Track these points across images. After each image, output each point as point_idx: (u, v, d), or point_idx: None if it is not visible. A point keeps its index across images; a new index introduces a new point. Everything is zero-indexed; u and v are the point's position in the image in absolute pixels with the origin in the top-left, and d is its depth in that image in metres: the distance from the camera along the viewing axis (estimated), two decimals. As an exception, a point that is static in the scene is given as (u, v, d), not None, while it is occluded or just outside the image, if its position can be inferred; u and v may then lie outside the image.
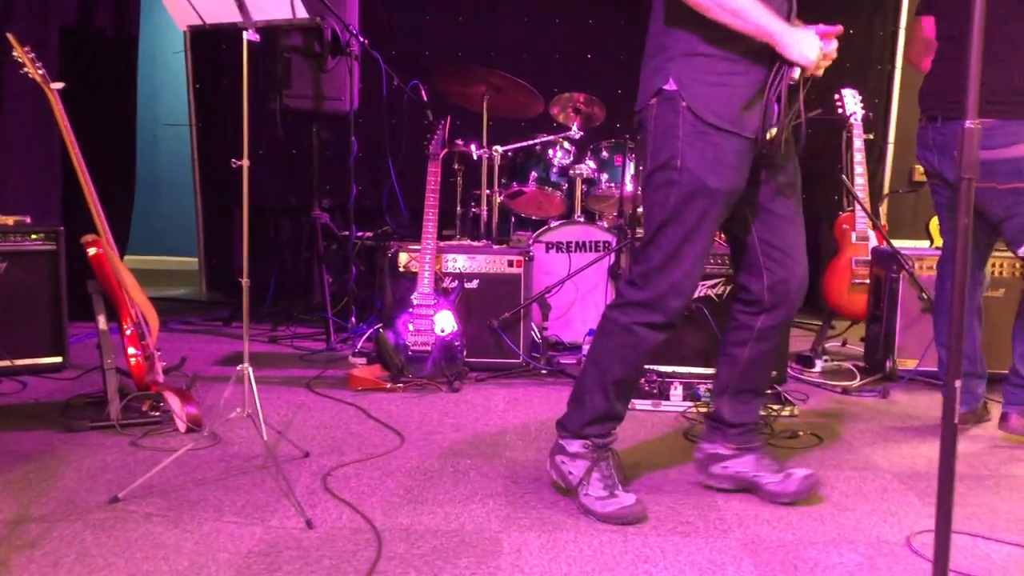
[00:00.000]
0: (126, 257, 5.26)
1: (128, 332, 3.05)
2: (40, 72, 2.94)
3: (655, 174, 2.34)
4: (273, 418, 3.15)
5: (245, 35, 2.47)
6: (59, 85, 2.96)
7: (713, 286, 3.77)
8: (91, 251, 2.99)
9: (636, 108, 2.41)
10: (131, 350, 3.05)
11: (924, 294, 3.80)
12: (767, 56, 2.25)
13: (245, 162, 2.51)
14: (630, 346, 2.38)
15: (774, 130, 2.27)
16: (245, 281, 2.59)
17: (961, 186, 1.35)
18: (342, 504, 2.39)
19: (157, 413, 3.05)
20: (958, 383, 1.31)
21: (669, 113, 2.28)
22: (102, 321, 3.06)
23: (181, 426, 2.96)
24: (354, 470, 2.66)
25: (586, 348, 3.81)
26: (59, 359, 3.69)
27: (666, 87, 2.27)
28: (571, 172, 4.48)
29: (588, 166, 4.48)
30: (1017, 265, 3.79)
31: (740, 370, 2.52)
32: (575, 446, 2.45)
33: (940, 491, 1.42)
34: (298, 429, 3.05)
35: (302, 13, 2.44)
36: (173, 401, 3.00)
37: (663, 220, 2.33)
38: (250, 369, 2.56)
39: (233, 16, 2.45)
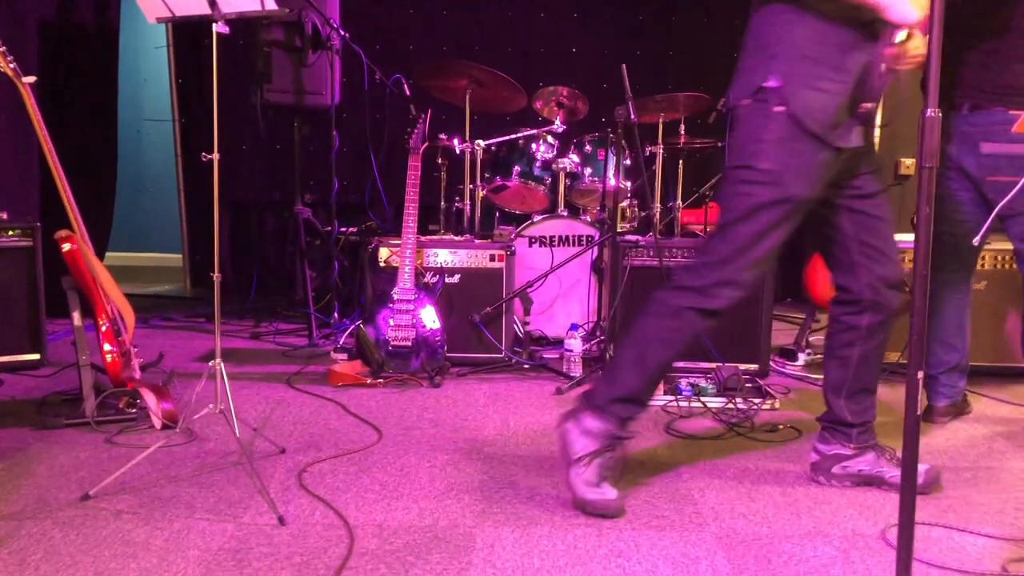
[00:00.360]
0: (110, 253, 5.25)
1: (103, 328, 3.03)
2: (11, 66, 2.90)
3: (737, 171, 2.33)
4: (251, 414, 3.13)
5: (215, 28, 2.43)
6: (31, 79, 2.92)
7: (695, 280, 3.75)
8: (65, 247, 2.96)
9: (729, 102, 2.40)
10: (106, 346, 3.02)
11: (906, 287, 3.79)
12: (864, 59, 2.24)
13: (216, 156, 2.48)
14: (676, 329, 2.36)
15: (870, 105, 2.26)
16: (216, 276, 2.57)
17: (922, 175, 1.34)
18: (316, 500, 2.38)
19: (133, 410, 3.03)
20: (920, 374, 1.30)
21: (761, 114, 2.27)
22: (77, 317, 3.03)
23: (157, 423, 2.94)
24: (330, 466, 2.64)
25: (568, 343, 3.81)
26: (36, 356, 3.64)
27: (767, 84, 2.26)
28: (554, 166, 4.46)
29: (571, 160, 4.46)
30: (1000, 258, 3.79)
31: (854, 370, 2.52)
32: (593, 423, 2.38)
33: (904, 480, 1.41)
34: (276, 425, 3.03)
35: (271, 5, 2.41)
36: (149, 398, 2.98)
37: (736, 218, 2.31)
38: (222, 365, 2.54)
39: (202, 8, 2.42)
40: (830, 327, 2.58)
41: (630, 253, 3.79)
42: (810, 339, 4.34)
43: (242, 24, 4.09)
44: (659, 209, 4.48)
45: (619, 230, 4.00)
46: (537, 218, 4.36)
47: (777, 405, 3.34)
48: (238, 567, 1.99)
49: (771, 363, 3.91)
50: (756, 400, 3.32)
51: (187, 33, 5.50)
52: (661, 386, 3.39)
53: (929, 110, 1.36)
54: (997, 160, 2.84)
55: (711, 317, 2.36)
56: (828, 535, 2.23)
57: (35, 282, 3.62)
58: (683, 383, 3.41)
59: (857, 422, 2.54)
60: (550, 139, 4.56)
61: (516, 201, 4.68)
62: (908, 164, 5.83)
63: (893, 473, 2.51)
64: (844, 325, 2.52)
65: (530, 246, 4.33)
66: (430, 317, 3.65)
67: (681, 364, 3.73)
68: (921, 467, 2.51)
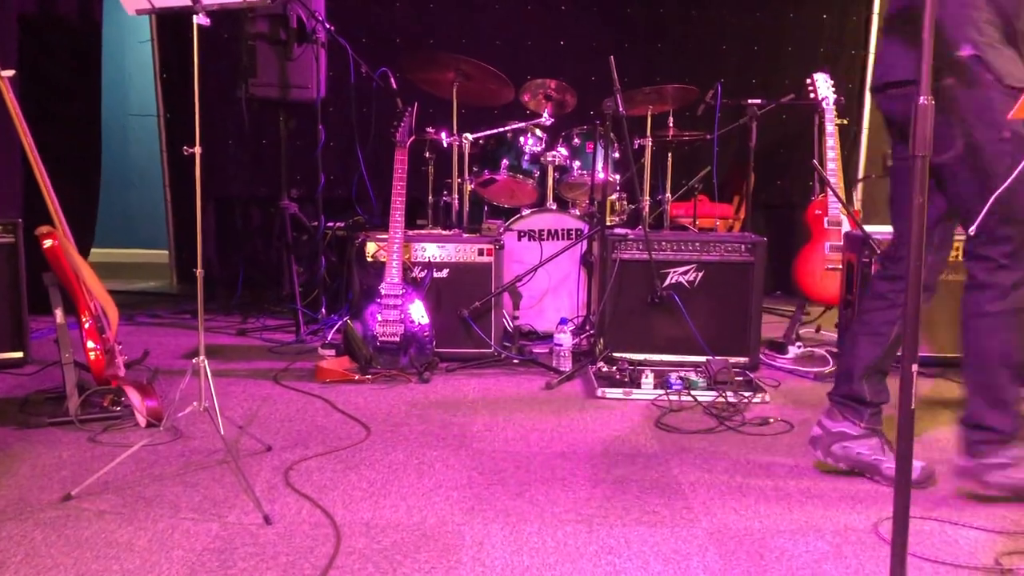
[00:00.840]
0: (96, 250, 5.19)
1: (87, 325, 2.99)
2: (-10, 60, 2.86)
3: (981, 152, 2.26)
4: (237, 412, 3.09)
5: (195, 20, 2.39)
6: (9, 73, 2.87)
7: (684, 272, 3.74)
8: (46, 243, 2.92)
9: (903, 77, 2.35)
10: (90, 344, 2.98)
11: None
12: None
13: (198, 149, 2.44)
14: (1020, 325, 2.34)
15: None
16: (200, 272, 2.53)
17: (916, 164, 1.32)
18: (302, 499, 2.34)
19: (117, 408, 2.99)
20: (915, 367, 1.28)
21: (977, 87, 2.24)
22: (59, 315, 2.98)
23: (142, 421, 2.90)
24: (317, 464, 2.61)
25: (558, 337, 3.77)
26: (20, 354, 3.62)
27: (963, 54, 2.21)
28: (543, 159, 4.43)
29: (560, 153, 4.43)
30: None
31: (886, 349, 2.52)
32: (1014, 453, 2.36)
33: (899, 473, 1.39)
34: (262, 423, 2.99)
35: (252, -5, 2.37)
36: (133, 395, 2.93)
37: (1014, 193, 2.22)
38: (206, 362, 2.50)
39: (182, 0, 2.37)
40: (870, 303, 2.55)
41: (619, 247, 3.76)
42: (800, 332, 4.33)
43: (226, 17, 4.05)
44: (648, 202, 4.46)
45: (608, 223, 3.97)
46: (526, 212, 4.34)
47: (767, 398, 3.32)
48: (223, 567, 1.96)
49: (761, 356, 3.90)
50: (746, 393, 3.31)
51: (171, 27, 5.44)
52: (651, 380, 3.38)
53: (922, 98, 1.33)
54: None
55: None
56: (820, 529, 2.21)
57: (17, 279, 3.60)
58: (673, 377, 3.39)
59: (874, 401, 2.54)
60: (538, 132, 4.53)
61: (504, 195, 4.65)
62: (897, 156, 5.82)
63: (891, 464, 2.49)
64: (890, 302, 2.50)
65: (519, 240, 4.30)
66: (418, 312, 3.61)
67: (671, 358, 3.72)
68: (917, 463, 2.50)
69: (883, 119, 2.56)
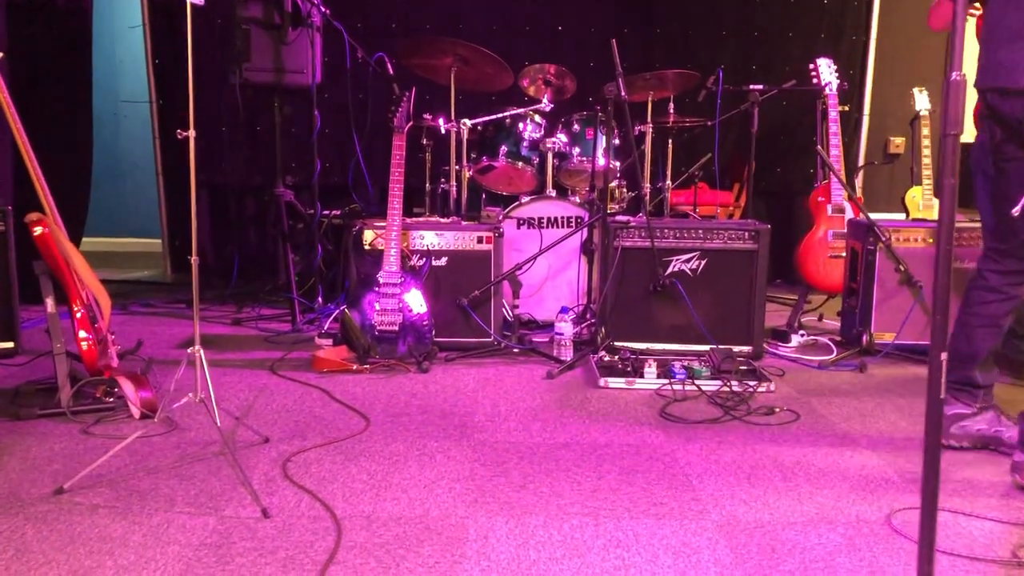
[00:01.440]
0: (88, 239, 5.12)
1: (78, 315, 2.92)
2: (-23, 42, 2.78)
3: None
4: (233, 403, 3.04)
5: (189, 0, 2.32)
6: (-3, 55, 2.80)
7: (687, 260, 3.68)
8: (37, 231, 2.84)
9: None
10: (82, 334, 2.91)
11: (901, 266, 3.73)
12: None
13: (192, 133, 2.37)
14: None
15: None
16: (194, 259, 2.46)
17: (945, 143, 1.26)
18: (301, 491, 2.29)
19: (110, 399, 2.93)
20: (943, 356, 1.23)
21: None
22: (50, 304, 2.92)
23: (135, 412, 2.84)
24: (316, 455, 2.55)
25: (559, 326, 3.72)
26: (10, 344, 3.56)
27: None
28: (542, 146, 4.36)
29: (559, 140, 4.36)
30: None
31: (1000, 338, 2.61)
32: None
33: (926, 466, 1.33)
34: (259, 414, 2.93)
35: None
36: (127, 386, 2.87)
37: None
38: (201, 352, 2.44)
39: (175, -22, 2.30)
40: (984, 296, 2.60)
41: (621, 234, 3.70)
42: (803, 320, 4.29)
43: (219, 1, 3.96)
44: (648, 189, 4.40)
45: (608, 211, 3.91)
46: (525, 199, 4.27)
47: (772, 387, 3.27)
48: (220, 563, 1.90)
49: (765, 345, 3.84)
50: (751, 383, 3.26)
51: (163, 12, 5.35)
52: (655, 370, 3.33)
53: (954, 74, 1.27)
54: None
55: None
56: (832, 521, 2.17)
57: (7, 268, 3.53)
58: (676, 366, 3.34)
59: (986, 384, 2.63)
60: (537, 118, 4.46)
61: (503, 182, 4.58)
62: (898, 143, 5.78)
63: (1011, 433, 2.56)
64: (1005, 295, 2.58)
65: (518, 228, 4.24)
66: (417, 301, 3.55)
67: (674, 347, 3.67)
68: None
69: (991, 117, 2.55)
